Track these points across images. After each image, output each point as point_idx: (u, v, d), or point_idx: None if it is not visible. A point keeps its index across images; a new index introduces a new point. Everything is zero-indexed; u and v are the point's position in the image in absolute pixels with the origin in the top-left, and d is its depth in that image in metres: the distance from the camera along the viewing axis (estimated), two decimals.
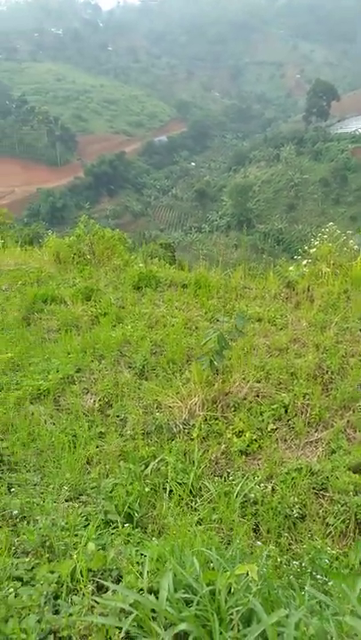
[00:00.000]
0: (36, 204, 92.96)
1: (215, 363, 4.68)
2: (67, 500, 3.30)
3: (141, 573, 2.17)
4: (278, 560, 2.70)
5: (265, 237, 76.98)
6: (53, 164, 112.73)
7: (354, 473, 3.85)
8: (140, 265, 9.01)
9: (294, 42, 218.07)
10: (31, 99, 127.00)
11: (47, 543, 2.49)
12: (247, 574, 2.02)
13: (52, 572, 2.29)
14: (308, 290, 7.49)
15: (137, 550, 2.48)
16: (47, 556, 2.41)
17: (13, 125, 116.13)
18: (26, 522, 2.87)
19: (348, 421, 4.56)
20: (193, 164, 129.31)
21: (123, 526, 2.76)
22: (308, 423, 4.55)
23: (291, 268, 8.31)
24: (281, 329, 6.35)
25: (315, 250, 8.84)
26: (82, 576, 2.25)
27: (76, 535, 2.62)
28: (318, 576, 2.49)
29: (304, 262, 8.67)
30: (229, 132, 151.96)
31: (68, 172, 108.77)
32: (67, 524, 2.69)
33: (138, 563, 2.33)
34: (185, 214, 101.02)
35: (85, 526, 2.78)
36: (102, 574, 2.31)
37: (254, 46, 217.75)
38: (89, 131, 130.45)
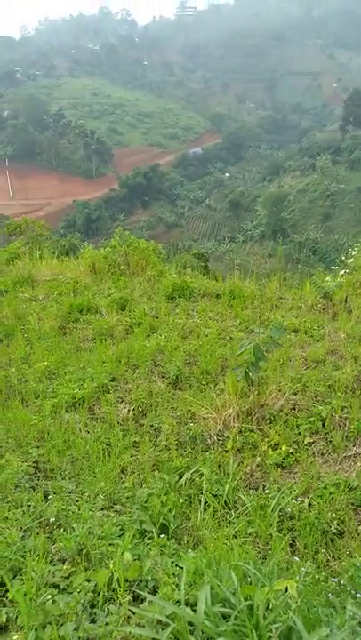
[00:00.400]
0: (71, 216, 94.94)
1: (250, 374, 4.63)
2: (102, 509, 3.31)
3: (178, 585, 2.15)
4: (316, 577, 2.62)
5: (300, 247, 76.11)
6: (89, 177, 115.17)
7: None
8: (174, 275, 9.05)
9: (331, 51, 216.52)
10: (68, 113, 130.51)
11: (84, 551, 2.50)
12: (286, 590, 1.98)
13: (89, 581, 2.29)
14: (346, 301, 7.36)
15: (172, 562, 2.46)
16: (84, 564, 2.42)
17: (51, 139, 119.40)
18: (62, 529, 2.89)
19: None
20: (227, 174, 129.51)
21: (158, 537, 2.75)
22: (347, 437, 4.44)
23: (327, 279, 8.19)
24: (318, 340, 6.25)
25: (352, 260, 8.70)
26: (119, 585, 2.25)
27: (112, 544, 2.62)
28: (359, 595, 2.41)
29: (341, 272, 8.54)
30: (264, 143, 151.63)
31: (103, 185, 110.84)
32: (102, 532, 2.70)
33: (174, 574, 2.31)
34: (218, 225, 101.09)
35: (120, 535, 2.78)
36: (138, 584, 2.31)
37: (290, 57, 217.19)
38: (124, 144, 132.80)
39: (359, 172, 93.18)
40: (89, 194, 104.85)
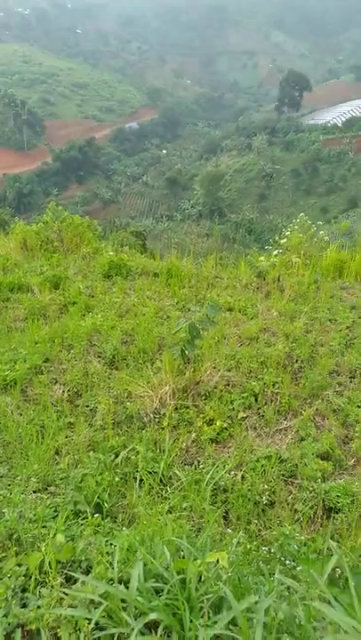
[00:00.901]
0: (1, 190, 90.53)
1: (186, 352, 4.66)
2: (35, 492, 3.24)
3: (111, 564, 2.15)
4: (248, 547, 2.72)
5: (236, 227, 77.25)
6: (20, 149, 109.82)
7: (322, 460, 3.93)
8: (111, 253, 8.89)
9: (267, 31, 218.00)
10: None
11: (14, 536, 2.44)
12: (217, 562, 2.03)
13: (20, 565, 2.24)
14: (279, 280, 7.56)
15: (107, 541, 2.45)
16: (15, 549, 2.36)
17: None
18: None
19: (316, 409, 4.63)
20: (164, 151, 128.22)
21: (92, 516, 2.73)
22: (278, 411, 4.61)
23: (261, 258, 8.36)
24: (252, 318, 6.40)
25: (285, 240, 8.92)
26: (50, 568, 2.21)
27: (45, 527, 2.57)
28: (287, 562, 2.52)
29: (275, 252, 8.74)
30: (201, 120, 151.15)
31: (35, 158, 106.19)
32: (35, 515, 2.64)
33: (108, 553, 2.30)
34: (156, 202, 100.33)
35: (54, 518, 2.73)
36: (71, 566, 2.28)
37: (227, 35, 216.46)
38: (57, 115, 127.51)
39: (294, 153, 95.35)
40: (20, 167, 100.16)
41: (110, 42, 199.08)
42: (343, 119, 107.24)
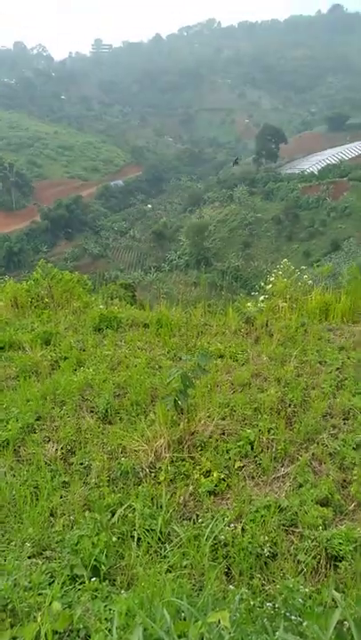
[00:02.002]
0: None
1: (179, 402, 4.65)
2: (30, 557, 3.14)
3: (110, 630, 2.07)
4: (251, 603, 2.63)
5: (223, 275, 78.43)
6: (9, 210, 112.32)
7: (322, 506, 3.86)
8: (101, 306, 8.98)
9: (241, 90, 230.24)
10: None
11: (9, 606, 2.35)
12: (219, 622, 1.96)
13: (15, 639, 2.15)
14: (267, 325, 7.65)
15: (105, 605, 2.37)
16: (9, 620, 2.27)
17: None
18: None
19: (313, 454, 4.59)
20: (150, 206, 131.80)
21: (89, 581, 2.64)
22: (275, 458, 4.56)
23: (249, 304, 8.49)
24: (243, 364, 6.42)
25: (271, 286, 9.09)
26: (47, 639, 2.13)
27: (40, 594, 2.48)
28: (293, 617, 2.44)
29: (261, 298, 8.89)
30: (184, 175, 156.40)
31: (24, 217, 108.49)
32: (30, 582, 2.55)
33: (106, 619, 2.22)
34: (144, 255, 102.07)
35: (50, 584, 2.64)
36: (69, 635, 2.20)
37: (204, 94, 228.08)
38: (44, 176, 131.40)
39: (274, 201, 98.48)
40: (9, 226, 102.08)
41: (93, 106, 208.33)
42: (319, 167, 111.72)
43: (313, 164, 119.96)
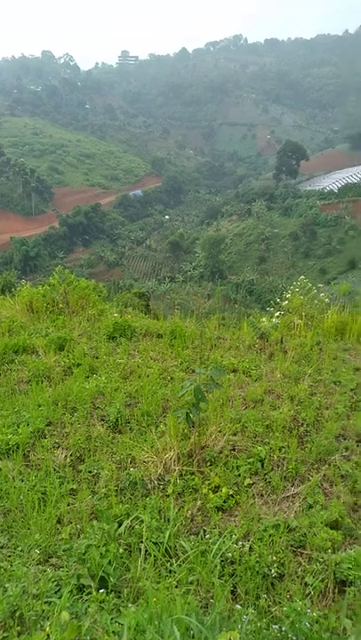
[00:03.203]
0: (8, 253, 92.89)
1: (191, 415, 4.63)
2: (37, 564, 3.13)
3: None
4: (258, 624, 2.59)
5: (237, 288, 78.50)
6: (28, 214, 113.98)
7: (331, 529, 3.80)
8: (115, 315, 9.02)
9: (265, 105, 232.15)
10: (8, 151, 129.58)
11: (17, 613, 2.34)
12: None
13: None
14: (282, 341, 7.62)
15: (112, 618, 2.35)
16: (17, 628, 2.25)
17: None
18: None
19: (324, 475, 4.53)
20: (167, 217, 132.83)
21: (97, 591, 2.62)
22: (285, 477, 4.51)
23: (263, 320, 8.47)
24: (256, 380, 6.39)
25: (286, 302, 9.08)
26: None
27: (48, 603, 2.47)
28: None
29: (276, 314, 8.87)
30: (203, 188, 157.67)
31: (42, 222, 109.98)
32: (38, 590, 2.54)
33: (114, 632, 2.20)
34: (159, 265, 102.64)
35: (57, 592, 2.63)
36: None
37: (227, 108, 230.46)
38: (65, 183, 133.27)
39: (292, 217, 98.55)
40: (28, 231, 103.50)
41: (117, 116, 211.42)
42: (339, 185, 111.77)
43: (333, 181, 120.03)
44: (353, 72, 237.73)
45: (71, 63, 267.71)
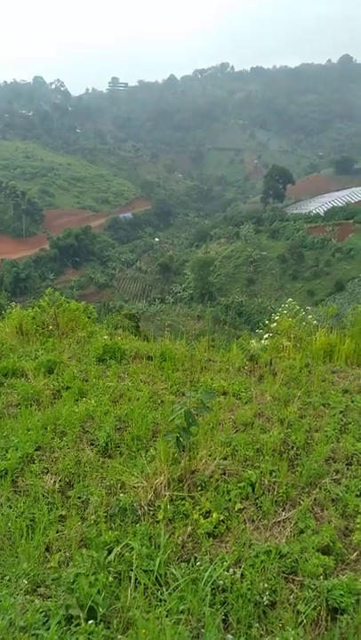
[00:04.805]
0: None
1: (182, 439, 4.61)
2: (25, 594, 3.06)
3: None
4: None
5: (226, 309, 78.93)
6: (19, 236, 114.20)
7: (323, 554, 3.78)
8: (105, 337, 9.01)
9: (252, 131, 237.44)
10: None
11: None
12: None
13: None
14: (271, 363, 7.65)
15: None
16: None
17: None
18: None
19: (315, 499, 4.51)
20: (157, 239, 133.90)
21: (85, 622, 2.57)
22: (276, 502, 4.48)
23: (253, 342, 8.51)
24: (246, 403, 6.39)
25: (275, 324, 9.13)
26: None
27: (35, 635, 2.41)
28: None
29: (265, 336, 8.92)
30: (192, 211, 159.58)
31: (33, 244, 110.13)
32: (25, 621, 2.48)
33: None
34: (149, 286, 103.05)
35: (45, 622, 2.57)
36: None
37: (215, 134, 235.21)
38: (55, 205, 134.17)
39: (279, 240, 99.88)
40: (18, 253, 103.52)
41: (107, 140, 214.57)
42: (325, 209, 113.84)
43: (319, 205, 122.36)
44: (335, 101, 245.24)
45: (62, 88, 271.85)
